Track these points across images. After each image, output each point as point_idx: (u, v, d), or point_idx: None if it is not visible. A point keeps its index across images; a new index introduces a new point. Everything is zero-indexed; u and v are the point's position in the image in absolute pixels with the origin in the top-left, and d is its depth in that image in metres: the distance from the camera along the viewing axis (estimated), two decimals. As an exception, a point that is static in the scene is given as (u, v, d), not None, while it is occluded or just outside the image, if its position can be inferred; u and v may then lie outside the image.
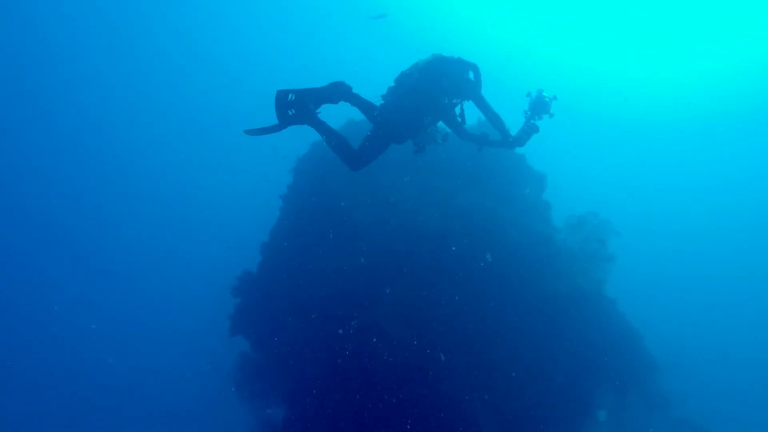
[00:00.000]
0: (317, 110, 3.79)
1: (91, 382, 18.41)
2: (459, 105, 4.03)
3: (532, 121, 4.00)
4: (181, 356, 17.79)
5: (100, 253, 24.29)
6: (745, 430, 14.92)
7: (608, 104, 30.58)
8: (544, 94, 3.99)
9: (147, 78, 29.82)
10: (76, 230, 25.17)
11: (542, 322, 6.31)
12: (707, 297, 22.56)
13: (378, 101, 4.02)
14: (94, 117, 28.47)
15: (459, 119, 4.07)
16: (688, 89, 29.71)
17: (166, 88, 30.32)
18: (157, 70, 30.29)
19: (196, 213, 26.66)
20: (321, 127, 3.84)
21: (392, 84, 4.10)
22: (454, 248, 6.49)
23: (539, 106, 3.96)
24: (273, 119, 3.65)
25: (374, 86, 4.05)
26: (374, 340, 5.86)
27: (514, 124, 4.11)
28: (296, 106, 3.62)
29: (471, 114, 4.18)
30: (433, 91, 3.80)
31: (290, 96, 3.61)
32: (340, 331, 6.00)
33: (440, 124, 4.14)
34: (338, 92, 3.71)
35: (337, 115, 4.15)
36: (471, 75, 3.91)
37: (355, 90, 3.86)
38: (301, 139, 7.42)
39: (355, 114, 7.86)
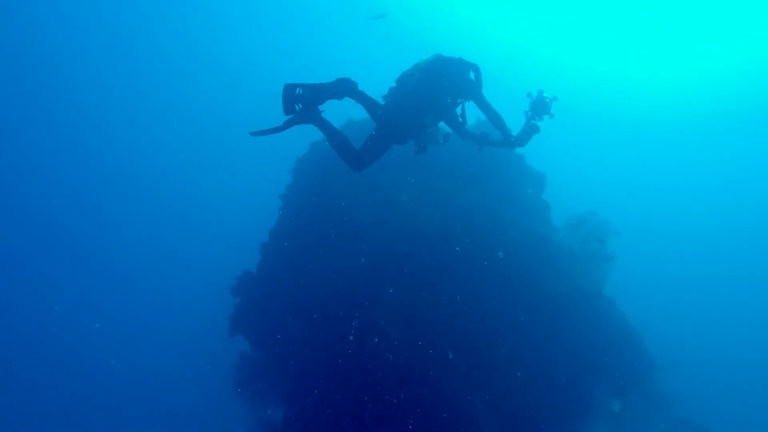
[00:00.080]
0: (321, 106, 3.81)
1: (91, 382, 18.41)
2: (460, 105, 4.04)
3: (532, 122, 4.00)
4: (181, 356, 17.79)
5: (100, 253, 24.30)
6: (745, 430, 14.92)
7: (608, 104, 30.60)
8: (544, 94, 3.99)
9: (147, 78, 29.84)
10: (76, 230, 25.17)
11: (542, 322, 6.31)
12: (707, 297, 22.57)
13: (379, 102, 4.03)
14: (94, 117, 28.48)
15: (460, 119, 4.08)
16: (688, 89, 29.72)
17: (166, 88, 30.34)
18: (157, 70, 30.30)
19: (195, 213, 26.66)
20: (324, 126, 3.86)
21: (393, 84, 4.11)
22: (458, 248, 6.49)
23: (540, 107, 3.96)
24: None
25: (374, 86, 4.05)
26: (376, 339, 5.87)
27: (514, 124, 4.11)
28: (303, 101, 3.63)
29: (470, 114, 4.19)
30: (434, 92, 3.80)
31: (298, 90, 3.63)
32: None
33: (441, 124, 4.15)
34: (344, 88, 3.72)
35: (336, 114, 4.16)
36: (472, 75, 3.91)
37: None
38: (300, 139, 7.42)
39: (355, 114, 7.88)
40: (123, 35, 28.97)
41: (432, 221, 6.88)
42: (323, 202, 7.44)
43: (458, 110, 4.07)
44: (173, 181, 28.15)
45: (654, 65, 30.04)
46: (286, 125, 3.79)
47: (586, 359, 6.37)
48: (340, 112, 4.33)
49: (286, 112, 3.64)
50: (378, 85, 4.15)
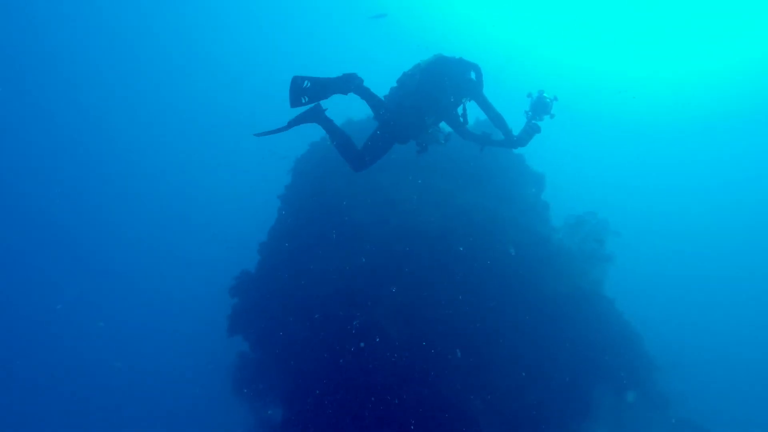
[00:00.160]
0: (324, 105, 3.84)
1: (91, 381, 18.41)
2: (461, 105, 4.04)
3: (533, 122, 4.01)
4: (180, 356, 17.78)
5: (98, 253, 24.29)
6: (745, 430, 14.92)
7: (607, 104, 30.61)
8: (545, 94, 3.99)
9: (146, 78, 29.83)
10: (75, 230, 25.17)
11: (541, 322, 6.31)
12: (706, 297, 22.58)
13: (383, 99, 4.04)
14: (94, 117, 28.47)
15: (461, 119, 4.08)
16: (688, 89, 29.73)
17: (166, 88, 30.34)
18: (156, 71, 30.29)
19: (194, 213, 26.65)
20: (328, 125, 3.88)
21: (394, 84, 4.12)
22: (461, 248, 6.49)
23: (540, 107, 3.97)
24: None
25: (375, 86, 4.05)
26: (377, 339, 5.87)
27: (514, 124, 4.11)
28: (309, 94, 3.64)
29: (470, 114, 4.19)
30: (435, 92, 3.81)
31: (306, 83, 3.64)
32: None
33: (442, 124, 4.16)
34: (349, 84, 3.74)
35: (336, 115, 4.16)
36: (473, 75, 3.92)
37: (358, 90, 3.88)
38: (299, 139, 7.41)
39: (355, 114, 7.89)
40: (122, 35, 28.98)
41: (432, 221, 6.88)
42: (322, 201, 7.44)
43: (459, 110, 4.07)
44: (172, 181, 28.15)
45: (654, 65, 30.06)
46: (290, 125, 3.81)
47: (585, 359, 6.37)
48: (339, 112, 4.34)
49: (293, 104, 3.66)
50: (378, 85, 4.15)
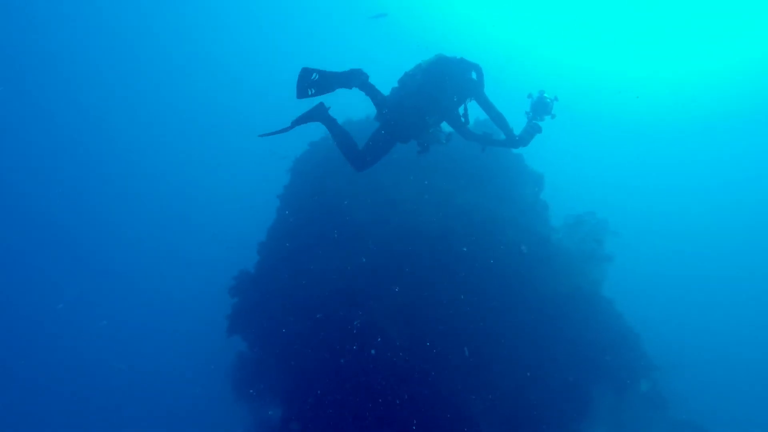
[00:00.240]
0: (327, 104, 3.88)
1: (91, 381, 18.40)
2: (462, 105, 4.05)
3: (534, 122, 4.02)
4: (179, 356, 17.77)
5: (98, 253, 24.27)
6: (744, 430, 14.92)
7: (607, 104, 30.62)
8: (545, 95, 4.00)
9: (146, 78, 29.83)
10: (75, 229, 25.17)
11: (540, 322, 6.32)
12: (706, 297, 22.58)
13: (386, 96, 4.05)
14: (94, 117, 28.47)
15: (463, 119, 4.09)
16: (687, 89, 29.73)
17: (166, 88, 30.33)
18: (155, 70, 30.29)
19: (193, 213, 26.64)
20: (331, 124, 3.90)
21: (394, 85, 4.13)
22: (465, 249, 6.50)
23: (541, 107, 3.98)
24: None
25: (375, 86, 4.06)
26: (379, 339, 5.87)
27: (514, 124, 4.12)
28: (316, 86, 3.65)
29: (470, 114, 4.19)
30: (437, 92, 3.82)
31: (314, 75, 3.66)
32: (360, 345, 5.93)
33: (444, 124, 4.17)
34: (355, 79, 3.76)
35: (336, 114, 4.17)
36: (474, 75, 3.93)
37: (359, 90, 3.90)
38: (299, 139, 7.41)
39: (354, 114, 7.89)
40: (122, 35, 28.98)
41: (432, 221, 6.88)
42: (322, 201, 7.44)
43: (461, 110, 4.08)
44: (171, 180, 28.14)
45: (653, 65, 30.06)
46: (293, 125, 3.83)
47: (584, 359, 6.38)
48: (339, 111, 4.35)
49: (299, 95, 3.69)
50: (378, 85, 4.16)
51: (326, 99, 4.06)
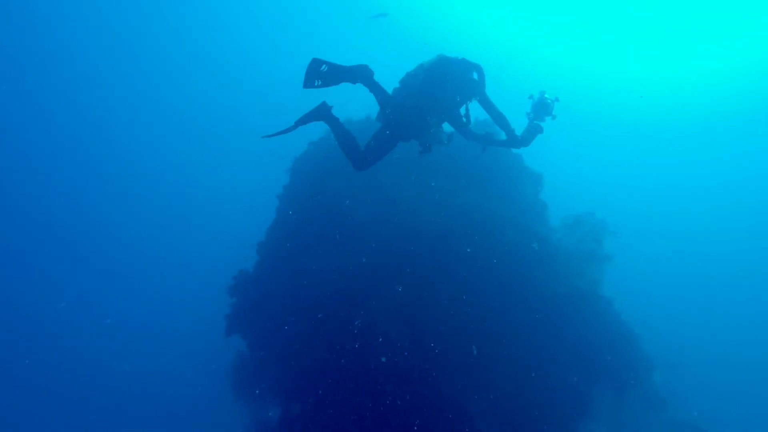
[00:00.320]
0: (330, 101, 3.92)
1: (90, 381, 18.39)
2: (464, 105, 4.06)
3: (535, 122, 4.03)
4: (178, 356, 17.76)
5: (97, 252, 24.27)
6: (743, 431, 14.93)
7: (606, 104, 30.63)
8: (546, 96, 4.01)
9: (145, 78, 29.83)
10: (74, 229, 25.16)
11: (540, 322, 6.32)
12: (705, 297, 22.58)
13: (390, 94, 4.06)
14: (94, 117, 28.48)
15: (464, 119, 4.10)
16: (686, 89, 29.73)
17: (166, 88, 30.33)
18: (155, 71, 30.29)
19: (192, 212, 26.64)
20: (334, 124, 3.91)
21: (396, 85, 4.14)
22: (469, 250, 6.50)
23: (541, 108, 3.99)
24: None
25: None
26: (380, 339, 5.87)
27: (515, 124, 4.13)
28: (324, 78, 3.65)
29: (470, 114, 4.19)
30: (438, 92, 3.83)
31: (323, 67, 3.68)
32: (364, 348, 5.91)
33: (445, 124, 4.18)
34: (360, 74, 3.76)
35: (336, 113, 4.18)
36: (475, 75, 3.94)
37: (360, 89, 3.92)
38: (298, 139, 7.42)
39: (354, 114, 7.90)
40: (122, 35, 28.97)
41: (431, 221, 6.89)
42: (321, 201, 7.45)
43: (462, 110, 4.09)
44: (170, 180, 28.14)
45: (652, 65, 30.07)
46: (296, 125, 3.84)
47: (584, 359, 6.38)
48: (338, 111, 4.35)
49: (305, 85, 3.71)
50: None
51: (327, 98, 4.07)
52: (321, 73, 3.71)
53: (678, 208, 27.97)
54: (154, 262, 23.87)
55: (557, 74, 30.87)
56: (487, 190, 7.48)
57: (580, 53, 31.05)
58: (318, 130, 8.60)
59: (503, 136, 4.20)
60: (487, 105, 3.98)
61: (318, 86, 3.76)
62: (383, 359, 5.69)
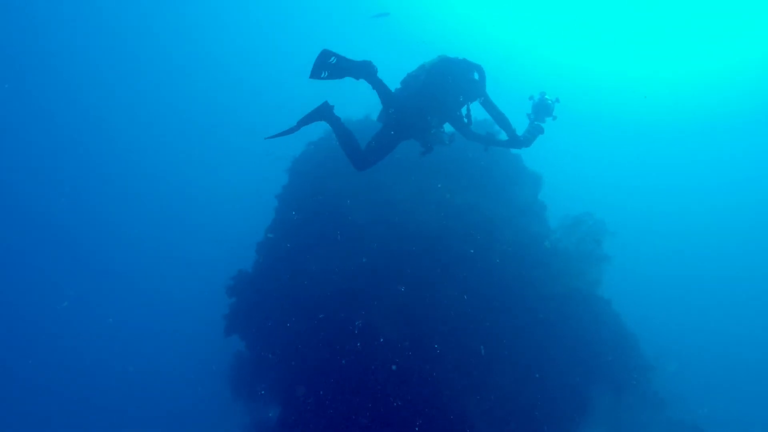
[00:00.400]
0: (331, 102, 3.93)
1: (90, 381, 18.38)
2: (465, 105, 4.07)
3: (536, 123, 4.05)
4: (177, 356, 17.75)
5: (96, 253, 24.26)
6: (742, 431, 14.95)
7: (605, 105, 30.65)
8: (546, 96, 4.02)
9: (145, 78, 29.81)
10: (74, 230, 25.15)
11: (538, 323, 6.33)
12: (704, 298, 22.61)
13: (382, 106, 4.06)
14: (94, 117, 28.46)
15: (465, 120, 4.11)
16: (686, 90, 29.76)
17: (166, 88, 30.31)
18: (155, 71, 30.27)
19: (190, 212, 26.62)
20: (335, 124, 3.91)
21: (397, 86, 4.14)
22: (472, 251, 6.51)
23: (542, 109, 4.01)
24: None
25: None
26: (381, 340, 5.87)
27: (515, 124, 4.14)
28: (331, 70, 3.68)
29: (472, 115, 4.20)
30: (439, 93, 3.84)
31: (332, 59, 3.68)
32: (364, 349, 5.90)
33: (446, 125, 4.19)
34: (365, 70, 3.76)
35: (336, 113, 4.18)
36: (476, 76, 3.94)
37: (360, 90, 3.92)
38: (296, 139, 7.43)
39: (353, 114, 7.89)
40: (121, 35, 28.96)
41: (430, 221, 6.89)
42: (321, 201, 7.44)
43: (463, 111, 4.10)
44: (170, 180, 28.12)
45: (651, 65, 30.10)
46: (299, 125, 3.84)
47: (582, 360, 6.39)
48: (338, 111, 4.36)
49: (312, 75, 3.70)
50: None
51: (327, 98, 4.07)
52: (329, 65, 3.70)
53: (677, 209, 28.00)
54: (152, 262, 23.87)
55: (556, 74, 30.95)
56: (486, 190, 7.49)
57: (579, 53, 31.12)
58: (317, 130, 8.60)
59: (504, 136, 4.21)
60: (489, 106, 3.99)
61: (324, 78, 3.75)
62: (393, 367, 5.66)
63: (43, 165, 26.40)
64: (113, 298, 21.94)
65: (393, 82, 4.23)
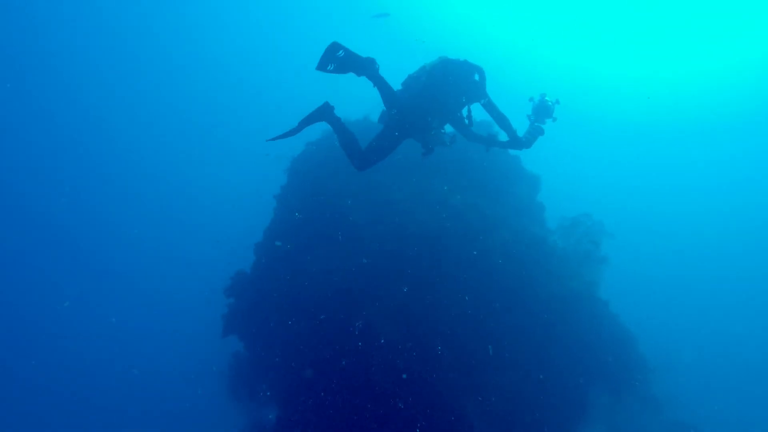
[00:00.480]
0: (332, 103, 3.90)
1: (89, 382, 18.35)
2: (466, 107, 4.08)
3: (537, 124, 4.06)
4: (175, 357, 17.72)
5: (95, 253, 24.22)
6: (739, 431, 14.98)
7: (603, 106, 30.69)
8: (546, 98, 4.04)
9: (144, 79, 29.77)
10: (73, 230, 25.12)
11: (536, 324, 6.33)
12: (701, 299, 22.65)
13: (383, 106, 4.07)
14: (94, 118, 28.43)
15: (466, 121, 4.12)
16: (684, 90, 29.81)
17: (166, 88, 30.28)
18: (154, 71, 30.23)
19: (189, 213, 26.58)
20: (336, 124, 3.91)
21: (398, 87, 4.15)
22: (475, 252, 6.51)
23: (542, 111, 4.02)
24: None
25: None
26: (382, 341, 5.86)
27: (515, 125, 4.15)
28: (337, 63, 3.70)
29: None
30: (440, 94, 3.85)
31: (340, 52, 3.67)
32: (360, 346, 5.89)
33: (447, 126, 4.20)
34: (367, 67, 3.76)
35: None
36: (476, 77, 3.95)
37: (358, 90, 3.92)
38: (295, 139, 7.43)
39: (351, 114, 7.89)
40: (121, 35, 28.93)
41: (429, 222, 6.90)
42: (320, 201, 7.44)
43: (464, 112, 4.11)
44: (170, 180, 28.09)
45: (651, 66, 30.15)
46: (300, 126, 3.83)
47: (580, 361, 6.39)
48: (336, 112, 4.36)
49: (319, 67, 3.70)
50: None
51: (328, 98, 4.06)
52: (337, 58, 3.69)
53: (675, 210, 28.04)
54: (151, 262, 23.84)
55: (554, 75, 30.97)
56: (484, 191, 7.50)
57: (577, 54, 31.17)
58: (316, 130, 8.60)
59: (504, 137, 4.22)
60: (490, 107, 4.00)
61: (329, 71, 3.74)
62: (404, 376, 5.64)
63: (44, 165, 26.37)
64: (113, 298, 21.91)
65: (393, 83, 4.23)
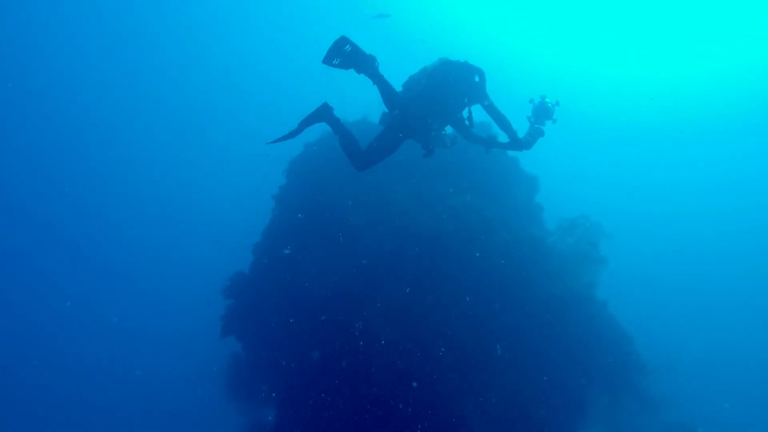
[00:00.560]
0: (332, 104, 3.90)
1: (89, 382, 18.33)
2: (467, 108, 4.09)
3: (537, 125, 4.08)
4: (174, 357, 17.71)
5: (95, 254, 24.21)
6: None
7: (602, 107, 30.71)
8: (546, 100, 4.05)
9: (144, 79, 29.77)
10: (73, 230, 25.11)
11: (535, 325, 6.34)
12: (699, 299, 22.66)
13: (382, 107, 4.08)
14: (94, 119, 28.42)
15: (467, 122, 4.13)
16: (684, 91, 29.83)
17: (165, 88, 30.28)
18: (154, 71, 30.23)
19: (188, 213, 26.56)
20: (336, 124, 3.92)
21: (399, 88, 4.16)
22: (478, 254, 6.51)
23: (542, 112, 4.04)
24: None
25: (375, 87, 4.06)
26: (382, 341, 5.87)
27: (515, 126, 4.16)
28: (343, 58, 3.70)
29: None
30: (441, 96, 3.86)
31: (348, 47, 3.67)
32: (360, 347, 5.87)
33: (448, 127, 4.21)
34: (367, 65, 3.77)
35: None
36: (477, 78, 3.97)
37: (357, 91, 3.93)
38: (294, 140, 7.44)
39: (350, 115, 7.90)
40: (121, 35, 28.93)
41: (428, 222, 6.91)
42: (320, 202, 7.45)
43: (465, 113, 4.12)
44: (169, 181, 28.08)
45: (650, 67, 30.17)
46: (300, 128, 3.84)
47: (578, 362, 6.41)
48: (335, 113, 4.37)
49: (325, 61, 3.70)
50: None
51: (328, 98, 4.08)
52: (343, 53, 3.68)
53: (673, 211, 28.06)
54: (151, 263, 23.84)
55: (553, 76, 30.98)
56: (484, 192, 7.51)
57: (575, 55, 31.19)
58: (315, 130, 8.61)
59: (504, 138, 4.23)
60: (490, 108, 4.01)
61: (335, 65, 3.74)
62: (414, 384, 5.62)
63: (44, 166, 26.36)
64: (113, 298, 21.90)
65: (393, 85, 4.24)
